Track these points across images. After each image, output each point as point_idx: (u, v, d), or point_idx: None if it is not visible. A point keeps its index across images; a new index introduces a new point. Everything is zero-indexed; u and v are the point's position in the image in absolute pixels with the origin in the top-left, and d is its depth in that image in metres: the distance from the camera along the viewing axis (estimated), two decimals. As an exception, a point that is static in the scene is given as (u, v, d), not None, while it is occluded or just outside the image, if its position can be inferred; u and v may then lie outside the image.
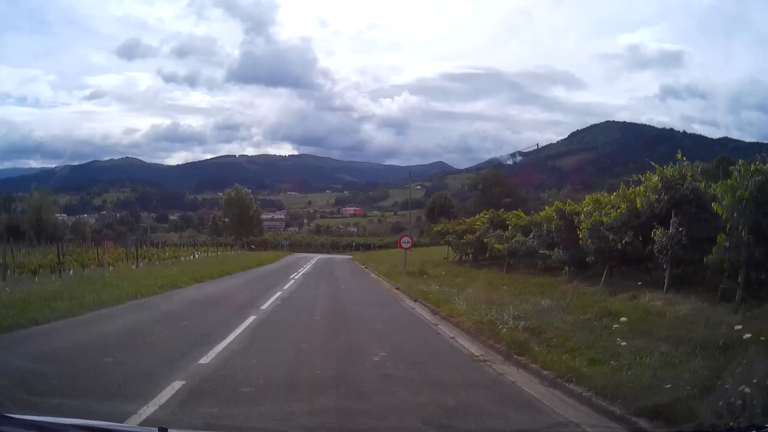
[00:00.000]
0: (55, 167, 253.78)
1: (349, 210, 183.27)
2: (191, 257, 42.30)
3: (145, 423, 4.87)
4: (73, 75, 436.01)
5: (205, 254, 48.59)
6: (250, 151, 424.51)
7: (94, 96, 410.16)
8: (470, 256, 30.03)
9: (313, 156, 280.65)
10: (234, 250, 66.46)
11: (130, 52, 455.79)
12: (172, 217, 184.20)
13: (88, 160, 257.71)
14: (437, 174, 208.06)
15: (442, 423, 5.26)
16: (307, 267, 35.66)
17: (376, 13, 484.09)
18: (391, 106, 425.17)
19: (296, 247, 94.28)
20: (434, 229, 32.60)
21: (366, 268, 35.86)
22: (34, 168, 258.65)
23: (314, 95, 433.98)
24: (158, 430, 3.19)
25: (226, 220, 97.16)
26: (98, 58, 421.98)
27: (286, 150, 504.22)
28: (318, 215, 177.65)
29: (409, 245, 26.27)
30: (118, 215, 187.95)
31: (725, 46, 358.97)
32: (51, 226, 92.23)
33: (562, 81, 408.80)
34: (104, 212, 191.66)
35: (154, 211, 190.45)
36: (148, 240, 69.75)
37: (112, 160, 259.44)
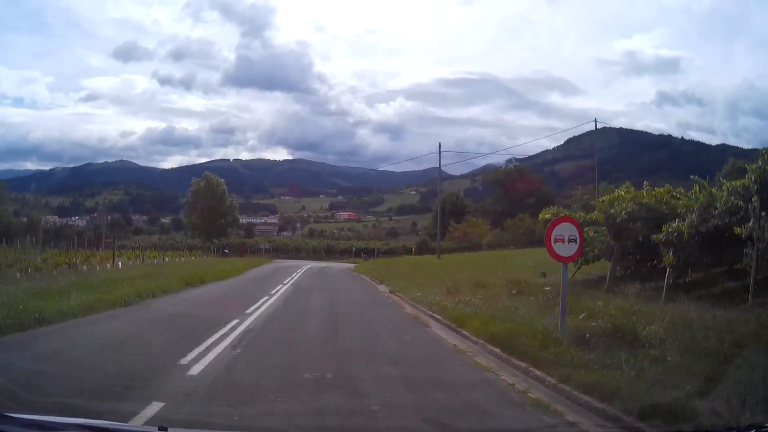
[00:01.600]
0: (50, 169, 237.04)
1: (344, 215, 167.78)
2: (109, 265, 24.69)
3: None
4: (70, 77, 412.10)
5: (137, 261, 30.82)
6: (245, 156, 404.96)
7: (91, 98, 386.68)
8: (650, 267, 12.80)
9: (307, 161, 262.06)
10: (196, 256, 48.11)
11: (127, 54, 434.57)
12: (163, 220, 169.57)
13: (84, 163, 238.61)
14: (433, 179, 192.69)
15: None
16: (278, 294, 17.52)
17: (374, 18, 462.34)
18: (386, 112, 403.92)
19: (282, 251, 73.72)
20: (543, 215, 15.16)
21: (398, 296, 17.47)
22: (30, 170, 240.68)
23: (310, 100, 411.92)
24: (158, 429, 2.98)
25: (194, 218, 74.19)
26: (95, 60, 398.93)
27: (281, 154, 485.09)
28: (312, 220, 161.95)
29: (575, 251, 8.13)
30: (109, 218, 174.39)
31: (722, 53, 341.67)
32: (4, 225, 77.39)
33: (559, 87, 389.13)
34: (95, 214, 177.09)
35: (147, 213, 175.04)
36: (102, 242, 52.14)
37: (106, 162, 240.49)
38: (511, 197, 69.79)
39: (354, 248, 71.77)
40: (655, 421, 4.43)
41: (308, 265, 42.24)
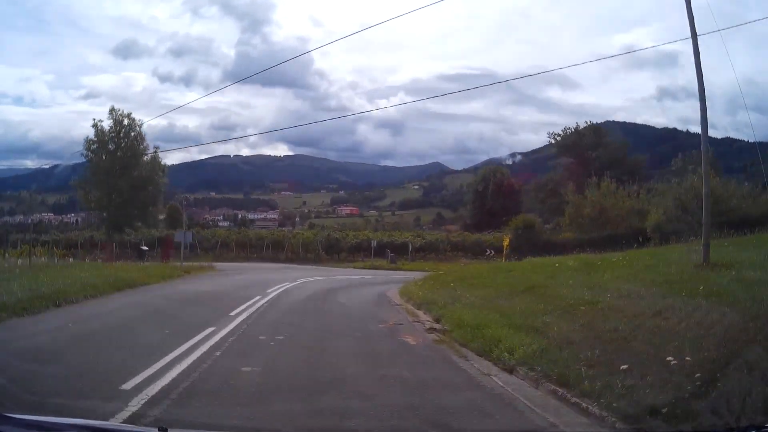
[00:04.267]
0: (50, 167, 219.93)
1: (345, 209, 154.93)
2: None
3: None
4: (69, 75, 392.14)
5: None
6: (245, 152, 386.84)
7: (90, 96, 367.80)
8: None
9: (308, 156, 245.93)
10: (75, 257, 28.44)
11: (126, 51, 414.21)
12: (161, 216, 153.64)
13: (83, 160, 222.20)
14: (434, 174, 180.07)
15: None
16: None
17: (371, 13, 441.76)
18: (387, 107, 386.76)
19: (255, 248, 48.64)
20: None
21: None
22: (30, 168, 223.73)
23: (309, 95, 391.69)
24: (158, 430, 2.79)
25: (93, 188, 40.89)
26: (94, 58, 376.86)
27: (281, 150, 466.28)
28: (313, 215, 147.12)
29: None
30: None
31: (721, 47, 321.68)
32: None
33: (558, 82, 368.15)
34: (90, 212, 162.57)
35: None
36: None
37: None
38: (586, 169, 47.09)
39: (374, 243, 45.12)
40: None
41: (273, 290, 17.59)
